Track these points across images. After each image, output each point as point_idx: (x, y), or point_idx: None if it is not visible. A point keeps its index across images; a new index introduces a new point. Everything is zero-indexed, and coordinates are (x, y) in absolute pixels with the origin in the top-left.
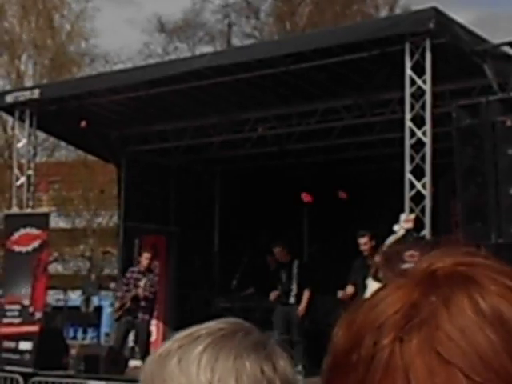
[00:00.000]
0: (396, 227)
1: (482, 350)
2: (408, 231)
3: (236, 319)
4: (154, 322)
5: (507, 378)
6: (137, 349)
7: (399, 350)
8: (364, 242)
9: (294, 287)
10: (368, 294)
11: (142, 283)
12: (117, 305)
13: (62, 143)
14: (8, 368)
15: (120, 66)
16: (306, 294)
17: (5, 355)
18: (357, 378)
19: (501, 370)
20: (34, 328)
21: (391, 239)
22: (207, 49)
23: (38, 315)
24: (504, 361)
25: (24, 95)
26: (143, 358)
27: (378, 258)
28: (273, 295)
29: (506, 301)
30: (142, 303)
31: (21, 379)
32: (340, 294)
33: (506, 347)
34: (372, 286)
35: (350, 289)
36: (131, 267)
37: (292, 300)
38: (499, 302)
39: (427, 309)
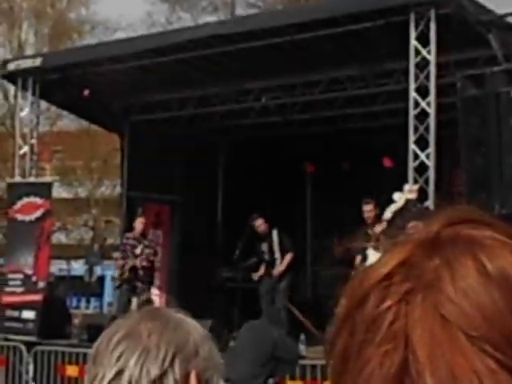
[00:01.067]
0: (396, 196)
1: (486, 309)
2: (410, 201)
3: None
4: (156, 291)
5: (510, 336)
6: None
7: (404, 311)
8: (369, 209)
9: (278, 255)
10: (369, 264)
11: (138, 251)
12: (117, 273)
13: (65, 112)
14: (11, 337)
15: (120, 33)
16: (288, 257)
17: (7, 324)
18: (358, 338)
19: (504, 328)
20: (38, 297)
21: (391, 208)
22: (210, 19)
23: (42, 284)
24: (508, 320)
25: (26, 63)
26: None
27: (378, 228)
28: (256, 276)
29: (511, 262)
30: (140, 272)
31: (24, 348)
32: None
33: (510, 308)
34: (372, 256)
35: (357, 260)
36: (127, 233)
37: (277, 267)
38: (507, 264)
39: (431, 271)
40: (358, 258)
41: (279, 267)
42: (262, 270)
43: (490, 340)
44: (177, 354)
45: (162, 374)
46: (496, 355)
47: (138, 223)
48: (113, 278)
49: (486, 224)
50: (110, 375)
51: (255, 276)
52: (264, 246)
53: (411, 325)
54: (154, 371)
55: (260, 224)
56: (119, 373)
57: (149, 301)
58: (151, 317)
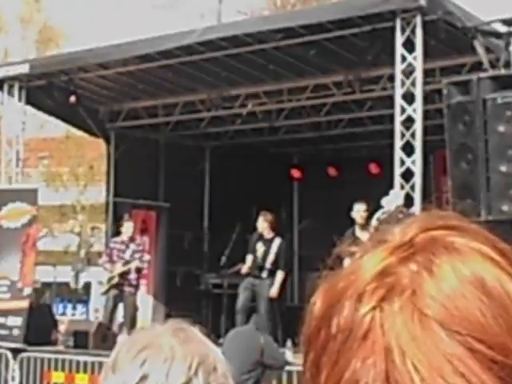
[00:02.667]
0: (384, 201)
1: (469, 312)
2: (397, 208)
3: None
4: (142, 296)
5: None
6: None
7: (379, 318)
8: (364, 209)
9: (269, 266)
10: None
11: (127, 256)
12: (106, 278)
13: (51, 118)
14: None
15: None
16: (280, 276)
17: None
18: (334, 347)
19: (487, 328)
20: (23, 304)
21: (379, 214)
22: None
23: (27, 291)
24: (492, 326)
25: (14, 69)
26: (130, 332)
27: (365, 235)
28: (244, 268)
29: (485, 267)
30: (130, 276)
31: (10, 355)
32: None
33: (491, 311)
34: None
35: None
36: (114, 238)
37: (264, 275)
38: (480, 269)
39: (407, 276)
40: (347, 262)
41: (274, 291)
42: (249, 263)
43: (469, 334)
44: (200, 365)
45: (187, 382)
46: (474, 346)
47: (127, 227)
48: (100, 283)
49: (461, 230)
50: (133, 381)
51: (244, 269)
52: (260, 247)
53: (388, 333)
54: (181, 378)
55: (268, 223)
56: (143, 378)
57: (135, 307)
58: (173, 332)
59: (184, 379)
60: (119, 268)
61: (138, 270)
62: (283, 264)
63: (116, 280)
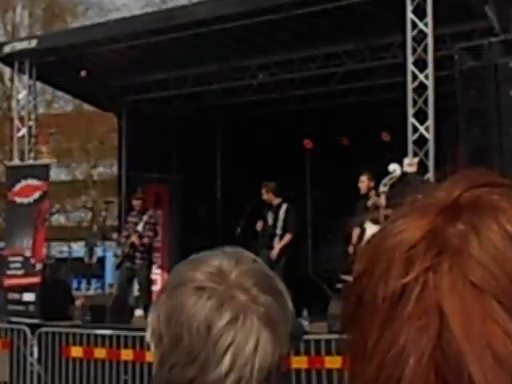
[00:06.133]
0: (391, 167)
1: None
2: (410, 174)
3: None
4: (158, 271)
5: None
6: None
7: (432, 281)
8: (362, 180)
9: (279, 232)
10: (367, 237)
11: (139, 227)
12: (121, 250)
13: (60, 94)
14: (14, 319)
15: (115, 14)
16: (286, 238)
17: (10, 307)
18: (384, 312)
19: None
20: (36, 279)
21: (386, 180)
22: None
23: (39, 266)
24: None
25: (22, 45)
26: (146, 306)
27: (374, 200)
28: (259, 225)
29: None
30: (140, 249)
31: (28, 330)
32: (351, 249)
33: None
34: (370, 228)
35: (356, 234)
36: (131, 212)
37: (276, 242)
38: None
39: (456, 237)
40: (356, 233)
41: (276, 248)
42: (260, 224)
43: None
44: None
45: None
46: None
47: (136, 200)
48: (115, 255)
49: (503, 187)
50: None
51: (259, 226)
52: (270, 216)
53: (441, 295)
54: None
55: (270, 190)
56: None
57: (149, 280)
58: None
59: None
60: (131, 239)
61: (144, 245)
62: (292, 227)
63: (127, 250)
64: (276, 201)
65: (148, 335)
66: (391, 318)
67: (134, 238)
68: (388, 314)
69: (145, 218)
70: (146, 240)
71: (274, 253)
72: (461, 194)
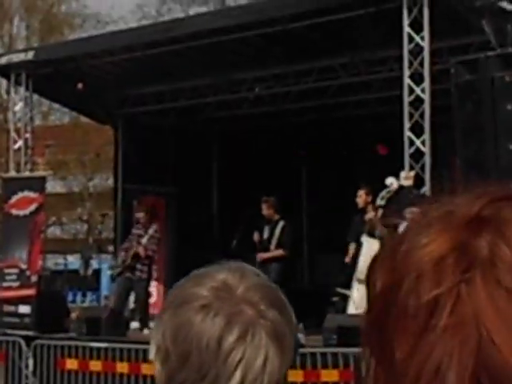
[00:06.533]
0: (388, 181)
1: None
2: (406, 188)
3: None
4: (153, 283)
5: None
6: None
7: (466, 293)
8: (359, 194)
9: (272, 247)
10: (364, 251)
11: (144, 240)
12: (119, 260)
13: (57, 106)
14: (9, 331)
15: (112, 26)
16: (277, 252)
17: (6, 319)
18: (417, 324)
19: None
20: (31, 291)
21: (383, 193)
22: (201, 10)
23: (34, 278)
24: None
25: (18, 57)
26: (142, 319)
27: (371, 215)
28: (256, 236)
29: None
30: (143, 261)
31: (23, 343)
32: (348, 259)
33: None
34: (367, 243)
35: (351, 248)
36: (136, 224)
37: (261, 255)
38: None
39: (485, 247)
40: (352, 246)
41: (264, 255)
42: (256, 235)
43: None
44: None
45: None
46: None
47: (139, 213)
48: (112, 267)
49: None
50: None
51: (256, 236)
52: (266, 230)
53: (477, 306)
54: None
55: (268, 206)
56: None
57: (147, 293)
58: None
59: None
60: (134, 249)
61: (147, 257)
62: (286, 245)
63: (129, 261)
64: (275, 217)
65: (152, 353)
66: (425, 330)
67: (140, 249)
68: (421, 326)
69: (150, 231)
70: (150, 253)
71: (263, 256)
72: (482, 208)
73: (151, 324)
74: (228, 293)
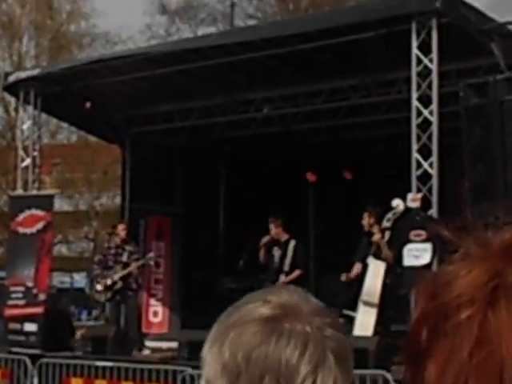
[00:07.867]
0: (394, 202)
1: None
2: (413, 210)
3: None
4: (158, 302)
5: None
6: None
7: (492, 318)
8: (364, 217)
9: (287, 268)
10: (370, 272)
11: (124, 258)
12: (100, 286)
13: (65, 124)
14: (15, 350)
15: (121, 46)
16: (295, 273)
17: (11, 337)
18: (445, 345)
19: None
20: (39, 309)
21: (390, 215)
22: (209, 30)
23: (42, 297)
24: None
25: (27, 75)
26: (136, 340)
27: (377, 237)
28: (262, 255)
29: None
30: (130, 279)
31: (28, 361)
32: (343, 277)
33: None
34: (373, 264)
35: (356, 268)
36: (105, 245)
37: (282, 278)
38: None
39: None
40: (357, 267)
41: (285, 279)
42: (262, 254)
43: None
44: None
45: None
46: None
47: (120, 230)
48: (97, 292)
49: None
50: None
51: (262, 256)
52: (276, 252)
53: (500, 326)
54: None
55: (277, 227)
56: None
57: (136, 308)
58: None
59: None
60: (120, 272)
61: (143, 267)
62: (301, 264)
63: (120, 285)
64: (284, 237)
65: (211, 371)
66: (454, 348)
67: (123, 271)
68: (454, 344)
69: (128, 247)
70: (134, 268)
71: (284, 280)
72: None
73: (147, 343)
74: (295, 313)
